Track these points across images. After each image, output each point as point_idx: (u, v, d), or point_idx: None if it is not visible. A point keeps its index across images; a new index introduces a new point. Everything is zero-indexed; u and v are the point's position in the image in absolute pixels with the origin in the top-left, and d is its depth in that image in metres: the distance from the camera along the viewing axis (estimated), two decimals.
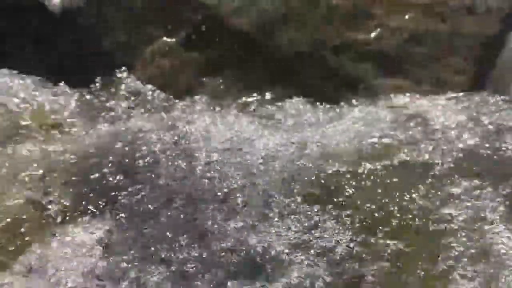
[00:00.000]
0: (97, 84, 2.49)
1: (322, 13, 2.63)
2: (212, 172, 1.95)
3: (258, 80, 2.56)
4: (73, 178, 1.98)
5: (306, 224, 1.78)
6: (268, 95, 2.49)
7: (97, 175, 2.00)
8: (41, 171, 1.98)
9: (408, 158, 2.04)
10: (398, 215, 1.82)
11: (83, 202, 1.90)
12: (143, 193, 1.90)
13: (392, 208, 1.85)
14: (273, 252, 1.69)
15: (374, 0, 2.67)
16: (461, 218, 1.81)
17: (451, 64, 2.63)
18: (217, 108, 2.39)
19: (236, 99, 2.49)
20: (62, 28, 2.64)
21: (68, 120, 2.35)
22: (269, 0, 2.62)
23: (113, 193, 1.93)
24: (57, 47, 2.62)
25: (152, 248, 1.73)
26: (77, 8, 2.68)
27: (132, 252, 1.72)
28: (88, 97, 2.45)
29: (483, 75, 2.67)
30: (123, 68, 2.55)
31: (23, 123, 2.28)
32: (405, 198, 1.89)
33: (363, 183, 1.94)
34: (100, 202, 1.90)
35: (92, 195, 1.93)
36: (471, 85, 2.62)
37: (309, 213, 1.82)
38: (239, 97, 2.50)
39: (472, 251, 1.70)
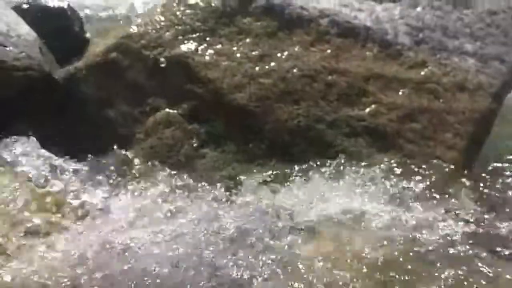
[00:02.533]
0: (99, 155, 2.57)
1: (319, 89, 2.73)
2: None
3: (257, 153, 2.64)
4: None
5: None
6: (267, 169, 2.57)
7: None
8: None
9: None
10: None
11: None
12: None
13: None
14: None
15: (369, 77, 2.78)
16: None
17: (444, 140, 2.72)
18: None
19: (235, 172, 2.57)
20: (68, 98, 2.73)
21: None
22: (268, 76, 2.73)
23: None
24: (63, 118, 2.71)
25: None
26: (83, 78, 2.79)
27: None
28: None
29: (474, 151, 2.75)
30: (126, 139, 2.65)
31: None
32: None
33: None
34: None
35: None
36: (462, 160, 2.70)
37: None
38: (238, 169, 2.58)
39: None
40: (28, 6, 2.91)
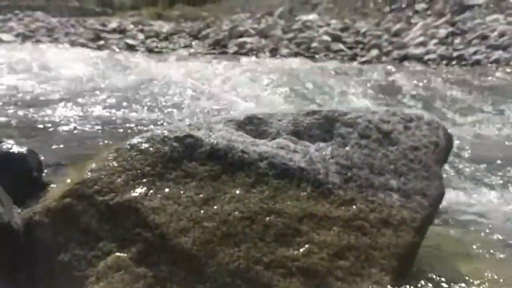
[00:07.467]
0: None
1: (258, 231, 3.00)
2: None
3: None
4: None
5: None
6: None
7: None
8: None
9: None
10: None
11: None
12: None
13: None
14: None
15: (303, 217, 3.07)
16: None
17: (370, 275, 3.00)
18: None
19: None
20: (25, 244, 2.94)
21: None
22: (212, 219, 3.00)
23: None
24: (19, 265, 2.91)
25: None
26: (40, 224, 3.01)
27: None
28: None
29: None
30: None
31: None
32: None
33: None
34: None
35: None
36: None
37: None
38: None
39: None
40: None
